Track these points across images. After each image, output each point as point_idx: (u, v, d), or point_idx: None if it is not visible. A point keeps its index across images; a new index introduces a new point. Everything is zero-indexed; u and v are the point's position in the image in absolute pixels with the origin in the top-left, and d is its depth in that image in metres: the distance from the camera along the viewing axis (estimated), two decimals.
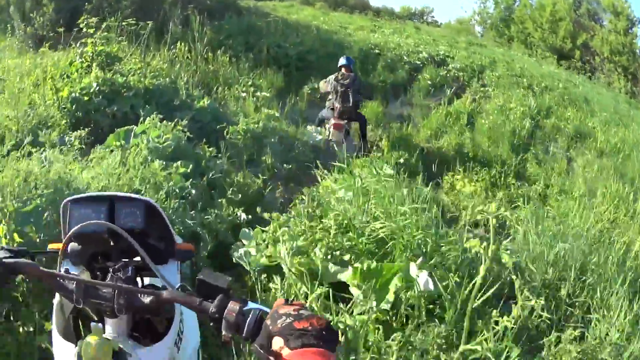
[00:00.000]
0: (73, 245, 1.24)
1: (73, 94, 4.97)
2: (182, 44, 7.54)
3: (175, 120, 4.38)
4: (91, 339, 1.03)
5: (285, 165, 5.15)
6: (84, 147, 4.08)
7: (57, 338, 1.23)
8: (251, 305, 1.03)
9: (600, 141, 8.93)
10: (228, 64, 8.02)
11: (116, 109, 4.99)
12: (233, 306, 0.99)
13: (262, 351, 0.92)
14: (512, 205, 5.46)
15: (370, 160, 4.88)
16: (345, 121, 6.23)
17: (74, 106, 4.94)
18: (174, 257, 1.37)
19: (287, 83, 8.69)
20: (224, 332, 0.99)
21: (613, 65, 17.67)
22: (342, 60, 6.90)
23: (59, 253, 1.20)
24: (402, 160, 5.54)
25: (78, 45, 6.12)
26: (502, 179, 6.13)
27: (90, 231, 1.18)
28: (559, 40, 19.10)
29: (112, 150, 3.75)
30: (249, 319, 0.97)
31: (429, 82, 11.07)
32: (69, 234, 1.18)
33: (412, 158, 5.87)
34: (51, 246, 1.34)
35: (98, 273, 1.26)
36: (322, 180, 4.24)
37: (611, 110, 10.71)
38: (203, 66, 7.57)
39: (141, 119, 4.43)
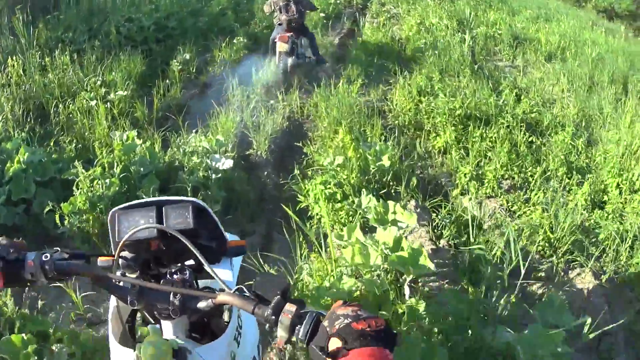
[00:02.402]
0: (125, 253, 1.19)
1: None
2: (14, 58, 5.20)
3: None
4: (150, 339, 1.02)
5: None
6: None
7: (114, 344, 1.22)
8: (308, 308, 0.98)
9: (543, 43, 7.54)
10: (69, 64, 5.43)
11: None
12: (289, 308, 0.96)
13: (319, 352, 0.89)
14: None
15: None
16: (292, 33, 5.80)
17: None
18: (226, 254, 1.33)
19: (148, 65, 6.07)
20: (279, 335, 0.95)
21: None
22: None
23: (113, 262, 1.17)
24: (387, 162, 3.28)
25: None
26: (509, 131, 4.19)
27: (143, 237, 1.14)
28: None
29: None
30: (305, 320, 0.94)
31: (322, 15, 9.03)
32: (123, 240, 1.13)
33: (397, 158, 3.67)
34: (101, 259, 1.25)
35: (152, 280, 1.20)
36: None
37: (534, 6, 9.34)
38: (40, 79, 5.10)
39: None
